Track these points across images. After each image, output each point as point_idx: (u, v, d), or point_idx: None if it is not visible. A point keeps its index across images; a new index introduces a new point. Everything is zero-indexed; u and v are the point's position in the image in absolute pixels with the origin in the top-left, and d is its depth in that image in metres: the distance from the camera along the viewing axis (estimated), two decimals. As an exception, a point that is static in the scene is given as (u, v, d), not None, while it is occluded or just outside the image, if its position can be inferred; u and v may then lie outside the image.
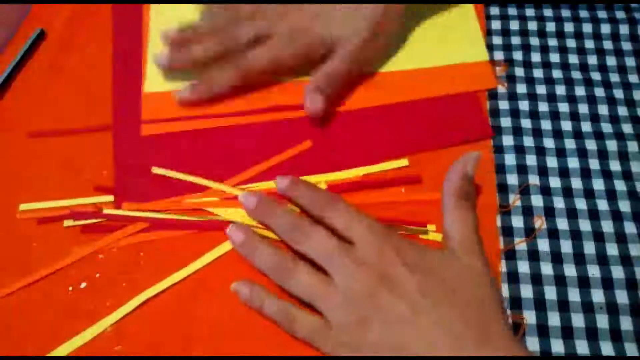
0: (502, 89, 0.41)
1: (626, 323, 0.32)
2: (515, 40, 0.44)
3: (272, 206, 0.34)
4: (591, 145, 0.39)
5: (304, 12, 0.39)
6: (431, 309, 0.28)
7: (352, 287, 0.29)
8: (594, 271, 0.34)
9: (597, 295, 0.33)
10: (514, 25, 0.45)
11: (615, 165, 0.38)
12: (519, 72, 0.42)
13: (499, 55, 0.43)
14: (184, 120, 0.40)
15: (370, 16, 0.38)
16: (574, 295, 0.33)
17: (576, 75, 0.42)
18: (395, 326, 0.28)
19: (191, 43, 0.39)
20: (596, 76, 0.42)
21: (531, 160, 0.38)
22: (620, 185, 0.37)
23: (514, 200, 0.37)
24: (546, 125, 0.40)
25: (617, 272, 0.34)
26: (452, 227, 0.32)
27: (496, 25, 0.45)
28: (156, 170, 0.38)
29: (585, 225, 0.36)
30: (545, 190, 0.37)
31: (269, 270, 0.32)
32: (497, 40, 0.44)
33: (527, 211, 0.36)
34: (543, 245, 0.35)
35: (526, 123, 0.40)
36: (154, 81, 0.42)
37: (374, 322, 0.28)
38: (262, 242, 0.33)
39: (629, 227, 0.35)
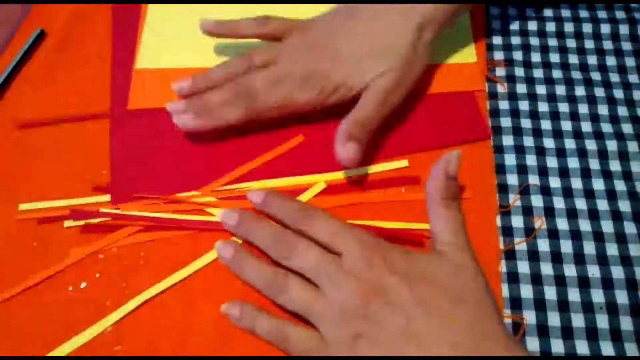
0: (502, 89, 0.41)
1: (626, 323, 0.32)
2: (515, 40, 0.44)
3: (255, 221, 0.33)
4: (591, 145, 0.39)
5: (323, 55, 0.37)
6: (425, 317, 0.27)
7: (344, 301, 0.29)
8: (594, 271, 0.34)
9: (597, 295, 0.33)
10: (514, 25, 0.45)
11: (615, 166, 0.38)
12: (519, 72, 0.42)
13: (499, 55, 0.43)
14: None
15: (398, 55, 0.36)
16: (574, 295, 0.33)
17: (576, 75, 0.42)
18: (391, 337, 0.27)
19: (204, 93, 0.37)
20: (596, 76, 0.42)
21: (531, 160, 0.38)
22: (620, 186, 0.37)
23: (514, 200, 0.37)
24: (546, 125, 0.40)
25: (617, 272, 0.34)
26: (440, 227, 0.31)
27: (496, 25, 0.45)
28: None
29: (585, 225, 0.36)
30: (545, 191, 0.37)
31: (260, 286, 0.32)
32: (497, 40, 0.44)
33: (527, 211, 0.36)
34: (543, 245, 0.35)
35: (526, 123, 0.40)
36: (146, 58, 0.43)
37: (368, 335, 0.28)
38: (251, 258, 0.33)
39: (629, 227, 0.35)
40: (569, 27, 0.45)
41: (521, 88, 0.41)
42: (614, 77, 0.42)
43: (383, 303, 0.28)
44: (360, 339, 0.28)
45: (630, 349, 0.31)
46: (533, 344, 0.32)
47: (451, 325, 0.27)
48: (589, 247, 0.35)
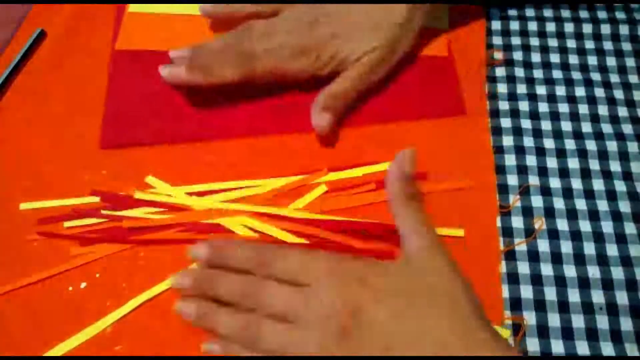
0: (502, 90, 0.41)
1: (626, 324, 0.32)
2: (516, 40, 0.44)
3: (215, 276, 0.30)
4: (591, 145, 0.39)
5: (318, 27, 0.38)
6: (404, 331, 0.26)
7: (321, 333, 0.27)
8: (594, 272, 0.34)
9: (597, 296, 0.33)
10: (514, 25, 0.45)
11: (615, 166, 0.38)
12: (519, 72, 0.42)
13: (499, 56, 0.43)
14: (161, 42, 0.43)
15: (387, 37, 0.38)
16: (574, 295, 0.33)
17: (576, 75, 0.42)
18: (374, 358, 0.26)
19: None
20: (596, 77, 0.42)
21: (531, 160, 0.38)
22: (620, 186, 0.37)
23: (514, 200, 0.37)
24: (546, 125, 0.40)
25: (617, 272, 0.34)
26: (405, 231, 0.30)
27: (496, 25, 0.45)
28: (149, 180, 0.38)
29: (585, 225, 0.36)
30: (546, 191, 0.37)
31: (236, 336, 0.29)
32: (497, 40, 0.44)
33: (527, 212, 0.36)
34: (543, 245, 0.35)
35: (526, 123, 0.40)
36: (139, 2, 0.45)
37: None
38: (219, 310, 0.29)
39: (629, 228, 0.35)
40: (569, 28, 0.45)
41: (521, 88, 0.41)
42: (614, 78, 0.42)
43: (361, 328, 0.27)
44: None
45: (631, 349, 0.31)
46: (533, 345, 0.32)
47: (431, 336, 0.26)
48: (589, 248, 0.35)
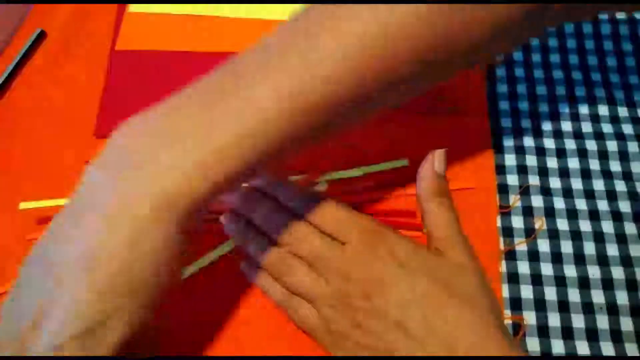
0: (502, 90, 0.41)
1: (626, 324, 0.32)
2: (516, 40, 0.44)
3: (258, 200, 0.32)
4: (591, 145, 0.39)
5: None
6: (423, 312, 0.27)
7: (344, 289, 0.29)
8: (594, 272, 0.34)
9: (597, 296, 0.33)
10: (514, 25, 0.45)
11: (615, 166, 0.38)
12: (519, 72, 0.42)
13: (499, 57, 0.43)
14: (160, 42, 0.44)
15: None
16: (574, 295, 0.33)
17: (576, 75, 0.42)
18: (386, 329, 0.27)
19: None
20: (596, 76, 0.42)
21: (531, 160, 0.38)
22: (620, 186, 0.37)
23: (514, 200, 0.37)
24: (546, 125, 0.40)
25: (617, 272, 0.34)
26: (433, 226, 0.31)
27: (496, 25, 0.45)
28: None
29: (585, 225, 0.36)
30: (546, 191, 0.37)
31: (265, 264, 0.32)
32: (497, 40, 0.44)
33: (528, 212, 0.36)
34: (543, 245, 0.35)
35: (526, 123, 0.40)
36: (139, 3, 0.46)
37: (363, 325, 0.28)
38: (258, 235, 0.32)
39: (629, 228, 0.35)
40: (569, 28, 0.45)
41: (521, 88, 0.41)
42: (614, 78, 0.42)
43: (383, 294, 0.28)
44: (357, 327, 0.28)
45: (631, 349, 0.31)
46: (533, 345, 0.32)
47: (447, 323, 0.27)
48: (589, 248, 0.35)
